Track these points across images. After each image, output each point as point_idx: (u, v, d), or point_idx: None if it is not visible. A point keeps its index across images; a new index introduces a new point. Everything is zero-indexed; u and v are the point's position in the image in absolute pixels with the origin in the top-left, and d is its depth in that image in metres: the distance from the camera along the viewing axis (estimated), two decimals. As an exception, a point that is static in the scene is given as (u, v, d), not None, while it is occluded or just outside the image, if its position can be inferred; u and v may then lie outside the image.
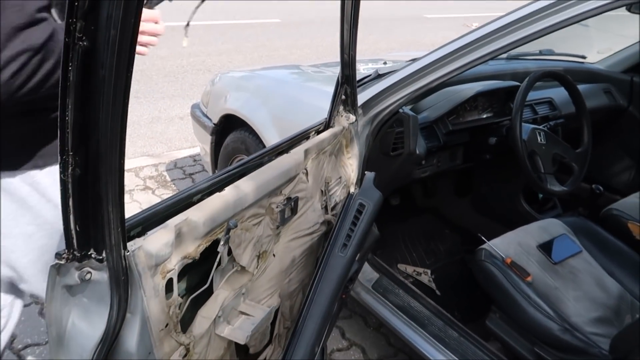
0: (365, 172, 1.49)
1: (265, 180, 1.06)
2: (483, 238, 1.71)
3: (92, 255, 0.68)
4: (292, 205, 1.19)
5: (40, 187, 1.07)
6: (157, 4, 1.17)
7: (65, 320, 0.74)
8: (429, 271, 2.07)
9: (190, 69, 5.53)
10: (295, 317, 1.21)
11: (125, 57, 0.50)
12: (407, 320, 1.65)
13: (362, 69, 2.12)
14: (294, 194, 1.20)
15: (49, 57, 0.88)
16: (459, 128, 1.91)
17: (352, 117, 1.46)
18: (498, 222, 2.17)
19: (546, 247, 1.70)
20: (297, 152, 1.21)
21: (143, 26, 1.06)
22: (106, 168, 0.59)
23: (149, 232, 0.77)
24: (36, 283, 1.15)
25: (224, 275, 0.99)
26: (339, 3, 1.21)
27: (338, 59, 1.36)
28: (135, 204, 2.86)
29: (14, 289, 1.19)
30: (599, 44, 3.12)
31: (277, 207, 1.12)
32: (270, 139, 1.98)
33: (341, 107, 1.44)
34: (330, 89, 1.40)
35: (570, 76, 2.11)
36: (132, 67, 0.52)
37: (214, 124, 2.37)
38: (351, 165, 1.53)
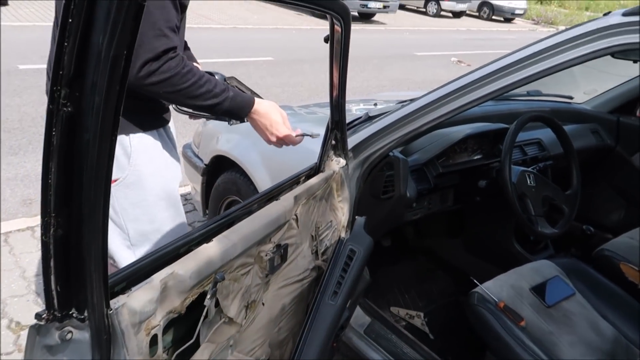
0: (356, 216, 1.48)
1: (254, 229, 1.05)
2: (475, 281, 1.69)
3: (74, 315, 0.66)
4: (282, 253, 1.18)
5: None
6: (235, 124, 1.43)
7: (44, 381, 0.71)
8: (422, 314, 2.04)
9: (184, 107, 5.55)
10: (286, 368, 1.18)
11: (110, 122, 0.50)
12: (400, 367, 1.61)
13: (354, 110, 2.14)
14: (284, 240, 1.19)
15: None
16: (449, 170, 1.92)
17: (343, 161, 1.47)
18: (491, 262, 2.16)
19: (539, 290, 1.68)
20: (287, 198, 1.20)
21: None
22: (89, 229, 0.58)
23: (133, 288, 0.76)
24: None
25: (211, 327, 0.97)
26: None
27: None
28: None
29: None
30: (585, 84, 3.19)
31: (266, 256, 1.11)
32: (261, 180, 1.98)
33: (331, 152, 1.45)
34: (322, 131, 1.41)
35: (558, 117, 2.14)
36: (117, 131, 0.52)
37: (205, 164, 2.37)
38: (342, 208, 1.53)
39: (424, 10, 18.27)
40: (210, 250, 0.91)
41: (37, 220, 2.86)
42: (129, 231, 1.42)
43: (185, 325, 0.93)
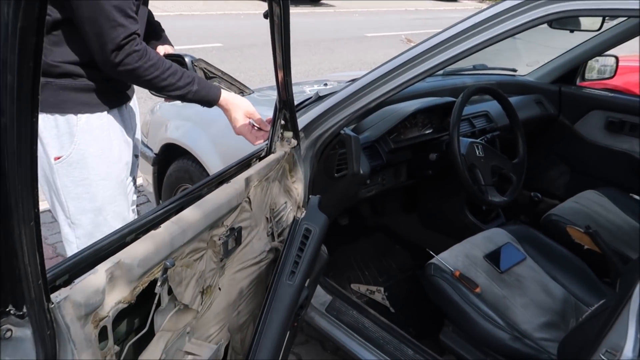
0: (310, 195, 1.48)
1: (204, 213, 1.02)
2: (432, 253, 1.73)
3: (11, 312, 0.63)
4: (236, 236, 1.16)
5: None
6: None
7: (-14, 383, 0.68)
8: (382, 289, 2.07)
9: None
10: (247, 351, 1.17)
11: (27, 102, 0.47)
12: (362, 341, 1.63)
13: (308, 90, 2.13)
14: (237, 224, 1.17)
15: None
16: (400, 146, 1.94)
17: (294, 142, 1.45)
18: (446, 235, 2.21)
19: (492, 257, 1.73)
20: (238, 181, 1.18)
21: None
22: (19, 219, 0.55)
23: (76, 280, 0.73)
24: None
25: (165, 315, 0.95)
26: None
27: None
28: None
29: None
30: (528, 56, 3.29)
31: (219, 240, 1.09)
32: (213, 166, 1.94)
33: (281, 132, 1.43)
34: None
35: (503, 89, 2.20)
36: (37, 113, 0.48)
37: (155, 154, 2.31)
38: (296, 189, 1.52)
39: (372, -10, 18.29)
40: (158, 237, 0.89)
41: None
42: (70, 209, 1.42)
43: (138, 315, 0.90)
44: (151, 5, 1.54)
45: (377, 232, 2.45)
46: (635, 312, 0.96)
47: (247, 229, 1.22)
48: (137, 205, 3.21)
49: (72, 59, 1.30)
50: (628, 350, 0.95)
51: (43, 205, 2.86)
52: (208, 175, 2.01)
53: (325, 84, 2.26)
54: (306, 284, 1.28)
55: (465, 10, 17.53)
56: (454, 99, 2.06)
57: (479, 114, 2.29)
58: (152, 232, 0.90)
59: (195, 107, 1.47)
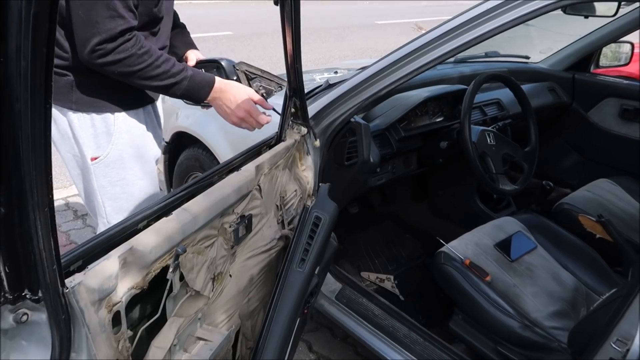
0: (320, 184, 1.48)
1: (215, 200, 1.03)
2: (442, 241, 1.73)
3: (27, 296, 0.64)
4: (246, 223, 1.17)
5: (73, 124, 1.31)
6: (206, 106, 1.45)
7: (4, 366, 0.69)
8: (391, 277, 2.08)
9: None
10: (257, 337, 1.18)
11: (41, 89, 0.47)
12: (372, 329, 1.64)
13: (318, 78, 2.12)
14: (248, 211, 1.17)
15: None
16: (411, 134, 1.93)
17: (304, 129, 1.45)
18: (456, 223, 2.21)
19: (503, 246, 1.73)
20: (248, 168, 1.19)
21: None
22: (33, 205, 0.55)
23: (89, 266, 0.74)
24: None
25: (177, 301, 0.96)
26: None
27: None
28: (89, 228, 2.76)
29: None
30: (541, 43, 3.24)
31: (230, 227, 1.10)
32: (224, 154, 1.95)
33: (292, 120, 1.43)
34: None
35: (515, 76, 2.17)
36: (50, 99, 0.49)
37: (166, 142, 2.32)
38: (306, 177, 1.52)
39: (383, -23, 18.11)
40: (170, 224, 0.90)
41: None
42: (106, 208, 1.41)
43: (151, 301, 0.92)
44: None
45: (387, 221, 2.45)
46: (647, 301, 0.95)
47: (258, 216, 1.23)
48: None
49: None
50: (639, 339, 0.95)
51: (57, 193, 2.87)
52: (218, 163, 2.02)
53: (336, 72, 2.25)
54: (316, 272, 1.29)
55: (477, -4, 17.27)
56: (465, 87, 2.04)
57: (490, 102, 2.27)
58: (164, 219, 0.91)
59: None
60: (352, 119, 1.56)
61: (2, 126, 0.48)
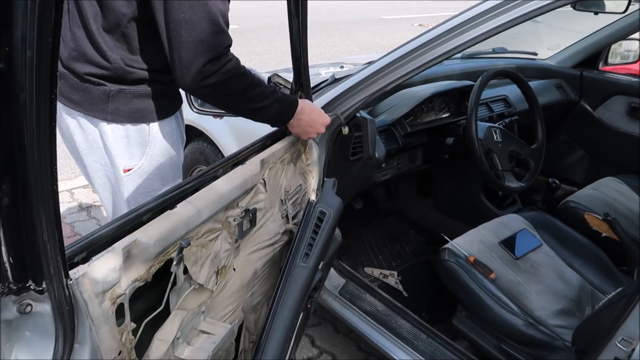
0: (325, 178, 1.47)
1: (220, 193, 1.03)
2: (446, 238, 1.72)
3: (31, 287, 0.64)
4: (251, 217, 1.16)
5: (105, 135, 1.27)
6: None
7: (8, 356, 0.70)
8: (395, 273, 2.08)
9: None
10: (260, 331, 1.18)
11: (47, 78, 0.47)
12: (375, 324, 1.64)
13: (323, 73, 2.11)
14: (252, 205, 1.17)
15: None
16: (417, 130, 1.93)
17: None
18: (461, 220, 2.20)
19: (508, 243, 1.72)
20: (253, 162, 1.18)
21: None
22: (38, 196, 0.55)
23: (93, 258, 0.74)
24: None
25: (180, 294, 0.96)
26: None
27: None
28: (93, 220, 2.77)
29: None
30: (549, 40, 3.22)
31: (234, 221, 1.09)
32: (229, 148, 1.95)
33: None
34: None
35: (523, 73, 2.16)
36: (55, 90, 0.49)
37: (171, 135, 2.32)
38: (311, 172, 1.52)
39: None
40: (174, 217, 0.89)
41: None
42: None
43: (154, 294, 0.92)
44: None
45: (391, 216, 2.45)
46: (653, 300, 0.95)
47: (262, 210, 1.23)
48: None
49: (148, 64, 1.19)
50: (645, 338, 0.94)
51: (62, 184, 2.87)
52: (223, 156, 2.02)
53: (342, 67, 2.24)
54: (320, 267, 1.29)
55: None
56: (472, 83, 2.03)
57: (497, 98, 2.26)
58: (168, 211, 0.91)
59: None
60: (358, 114, 1.56)
61: (7, 116, 0.47)
